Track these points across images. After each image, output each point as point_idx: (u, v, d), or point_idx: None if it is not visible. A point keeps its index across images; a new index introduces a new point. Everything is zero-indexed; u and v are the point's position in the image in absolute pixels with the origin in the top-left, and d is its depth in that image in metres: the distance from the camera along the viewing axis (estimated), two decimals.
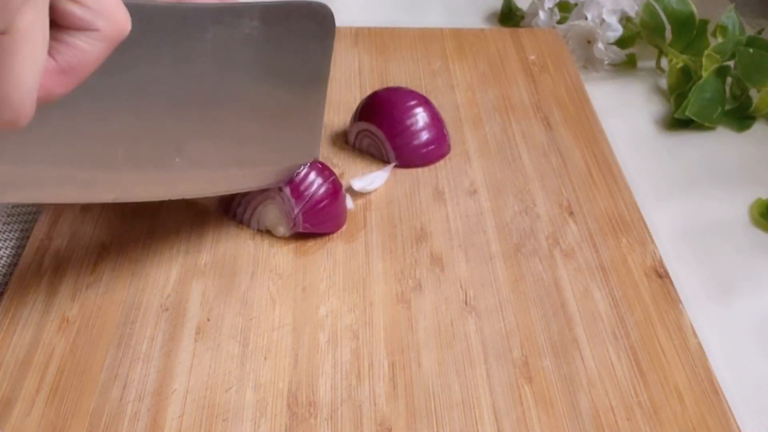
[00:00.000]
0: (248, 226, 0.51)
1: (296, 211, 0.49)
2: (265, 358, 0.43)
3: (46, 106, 0.31)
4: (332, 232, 0.51)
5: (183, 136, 0.43)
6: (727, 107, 0.66)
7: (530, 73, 0.67)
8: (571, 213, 0.53)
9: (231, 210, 0.51)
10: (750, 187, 0.59)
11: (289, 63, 0.46)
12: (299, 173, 0.49)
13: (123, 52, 0.35)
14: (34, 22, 0.28)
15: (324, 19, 0.46)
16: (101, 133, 0.40)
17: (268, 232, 0.51)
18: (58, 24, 0.30)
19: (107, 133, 0.40)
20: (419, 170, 0.56)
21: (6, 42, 0.27)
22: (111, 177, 0.41)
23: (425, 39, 0.71)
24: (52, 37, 0.30)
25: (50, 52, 0.30)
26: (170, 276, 0.48)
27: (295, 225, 0.50)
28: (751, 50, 0.65)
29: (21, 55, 0.27)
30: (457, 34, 0.72)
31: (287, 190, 0.49)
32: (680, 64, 0.67)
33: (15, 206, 0.54)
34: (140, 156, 0.42)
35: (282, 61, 0.45)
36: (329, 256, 0.50)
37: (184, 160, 0.44)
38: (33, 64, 0.28)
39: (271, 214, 0.50)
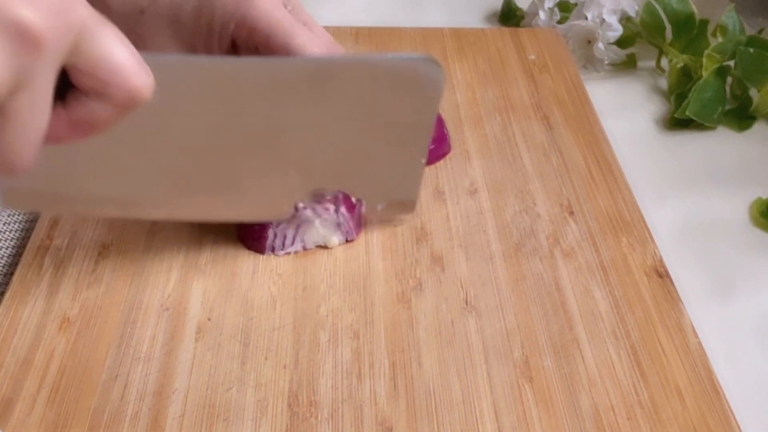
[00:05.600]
0: (286, 249, 0.50)
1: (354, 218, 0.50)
2: (266, 358, 0.43)
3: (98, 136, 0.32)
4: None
5: (241, 169, 0.45)
6: (727, 107, 0.66)
7: (530, 73, 0.67)
8: (572, 212, 0.53)
9: (266, 246, 0.50)
10: (750, 187, 0.59)
11: (383, 111, 0.46)
12: None
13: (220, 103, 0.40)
14: (28, 102, 0.28)
15: (433, 77, 0.45)
16: (143, 160, 0.43)
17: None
18: (72, 82, 0.30)
19: (150, 161, 0.43)
20: None
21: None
22: (155, 200, 0.45)
23: (425, 39, 0.71)
24: (67, 91, 0.31)
25: (64, 103, 0.31)
26: (171, 275, 0.48)
27: (349, 231, 0.50)
28: (751, 50, 0.65)
29: (15, 128, 0.28)
30: (457, 33, 0.72)
31: (342, 208, 0.49)
32: (680, 64, 0.67)
33: None
34: (189, 185, 0.45)
35: (375, 108, 0.46)
36: (330, 256, 0.50)
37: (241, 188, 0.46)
38: (28, 134, 0.29)
39: (319, 230, 0.50)
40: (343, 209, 0.49)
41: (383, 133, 0.47)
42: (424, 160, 0.49)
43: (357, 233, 0.50)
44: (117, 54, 0.30)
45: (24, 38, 0.27)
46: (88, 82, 0.30)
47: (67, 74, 0.30)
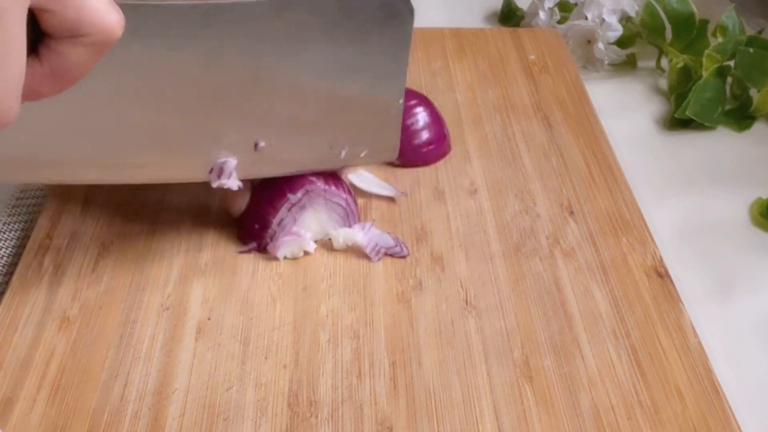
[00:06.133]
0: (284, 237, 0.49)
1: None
2: (266, 358, 0.43)
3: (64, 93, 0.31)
4: None
5: (223, 124, 0.44)
6: (727, 107, 0.66)
7: (530, 73, 0.67)
8: (572, 212, 0.53)
9: (262, 244, 0.49)
10: (750, 187, 0.59)
11: (357, 53, 0.46)
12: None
13: (164, 47, 0.38)
14: (2, 43, 0.27)
15: (399, 11, 0.45)
16: (125, 120, 0.41)
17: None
18: (42, 30, 0.30)
19: (132, 119, 0.41)
20: (419, 170, 0.56)
21: None
22: (138, 161, 0.43)
23: (425, 39, 0.71)
24: (39, 43, 0.30)
25: (38, 56, 0.30)
26: (171, 275, 0.48)
27: (353, 218, 0.50)
28: (751, 50, 0.65)
29: None
30: (457, 34, 0.72)
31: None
32: (680, 64, 0.67)
33: (16, 206, 0.54)
34: (171, 143, 0.43)
35: (349, 51, 0.45)
36: (330, 256, 0.50)
37: (220, 145, 0.45)
38: (6, 80, 0.28)
39: (325, 219, 0.50)
40: (349, 197, 0.50)
41: (358, 76, 0.47)
42: (401, 101, 0.49)
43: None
44: None
45: None
46: (58, 24, 0.29)
47: (38, 28, 0.29)
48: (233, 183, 0.46)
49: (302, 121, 0.47)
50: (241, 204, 0.50)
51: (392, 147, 0.52)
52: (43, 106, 0.32)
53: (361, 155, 0.50)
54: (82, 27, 0.30)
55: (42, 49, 0.30)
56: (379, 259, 0.49)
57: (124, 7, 0.35)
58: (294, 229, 0.49)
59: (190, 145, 0.44)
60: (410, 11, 0.45)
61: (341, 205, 0.50)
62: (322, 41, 0.44)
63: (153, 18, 0.39)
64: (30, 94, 0.30)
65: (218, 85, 0.43)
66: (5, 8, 0.27)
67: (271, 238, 0.49)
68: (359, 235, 0.49)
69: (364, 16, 0.44)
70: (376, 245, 0.49)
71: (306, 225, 0.49)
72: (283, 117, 0.46)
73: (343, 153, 0.50)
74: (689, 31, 0.69)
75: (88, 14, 0.30)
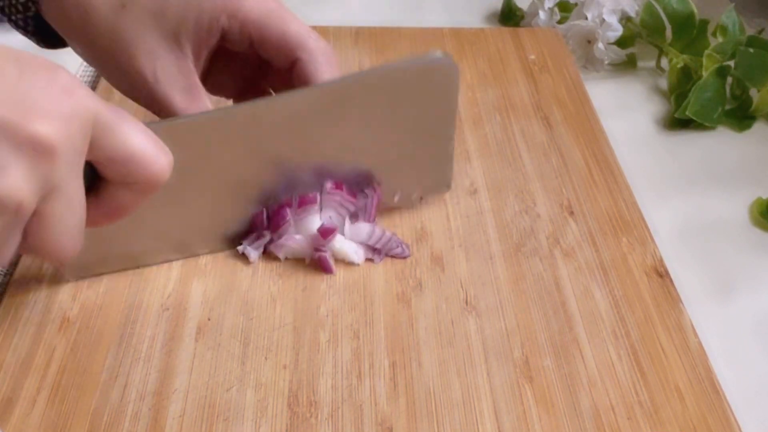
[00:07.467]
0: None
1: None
2: (266, 358, 0.43)
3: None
4: None
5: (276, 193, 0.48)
6: (727, 107, 0.66)
7: (530, 73, 0.67)
8: (572, 212, 0.53)
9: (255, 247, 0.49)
10: (750, 187, 0.59)
11: (411, 114, 0.48)
12: None
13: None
14: (63, 203, 0.31)
15: (447, 72, 0.48)
16: (190, 210, 0.47)
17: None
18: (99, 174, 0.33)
19: (195, 208, 0.47)
20: None
21: (37, 224, 0.30)
22: (205, 238, 0.49)
23: (425, 39, 0.71)
24: (98, 184, 0.34)
25: (97, 196, 0.34)
26: (171, 275, 0.48)
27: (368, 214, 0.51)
28: (751, 50, 0.65)
29: (55, 228, 0.31)
30: (457, 33, 0.72)
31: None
32: (680, 64, 0.67)
33: None
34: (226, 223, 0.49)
35: (403, 113, 0.48)
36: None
37: None
38: (69, 229, 0.31)
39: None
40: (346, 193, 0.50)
41: (409, 131, 0.49)
42: (452, 143, 0.51)
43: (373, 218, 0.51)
44: (134, 144, 0.32)
45: (40, 151, 0.28)
46: (110, 173, 0.33)
47: (96, 172, 0.33)
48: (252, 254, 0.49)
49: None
50: None
51: (446, 183, 0.54)
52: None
53: (413, 197, 0.52)
54: (130, 177, 0.33)
55: (100, 190, 0.34)
56: (381, 260, 0.49)
57: (173, 124, 0.40)
58: (295, 232, 0.48)
59: (246, 216, 0.49)
60: (453, 65, 0.47)
61: (348, 209, 0.50)
62: (369, 111, 0.47)
63: (205, 125, 0.43)
64: (89, 224, 0.33)
65: (270, 164, 0.47)
66: (62, 175, 0.30)
67: (266, 229, 0.49)
68: (352, 241, 0.49)
69: (408, 82, 0.47)
70: (373, 236, 0.49)
71: (309, 225, 0.49)
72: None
73: (396, 198, 0.52)
74: (689, 31, 0.69)
75: (135, 167, 0.33)
